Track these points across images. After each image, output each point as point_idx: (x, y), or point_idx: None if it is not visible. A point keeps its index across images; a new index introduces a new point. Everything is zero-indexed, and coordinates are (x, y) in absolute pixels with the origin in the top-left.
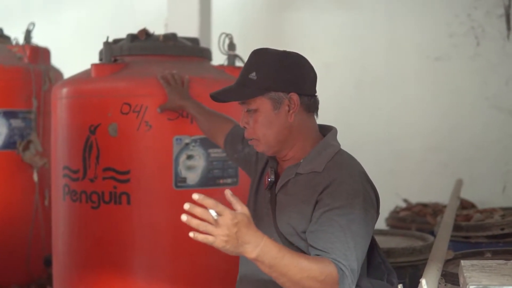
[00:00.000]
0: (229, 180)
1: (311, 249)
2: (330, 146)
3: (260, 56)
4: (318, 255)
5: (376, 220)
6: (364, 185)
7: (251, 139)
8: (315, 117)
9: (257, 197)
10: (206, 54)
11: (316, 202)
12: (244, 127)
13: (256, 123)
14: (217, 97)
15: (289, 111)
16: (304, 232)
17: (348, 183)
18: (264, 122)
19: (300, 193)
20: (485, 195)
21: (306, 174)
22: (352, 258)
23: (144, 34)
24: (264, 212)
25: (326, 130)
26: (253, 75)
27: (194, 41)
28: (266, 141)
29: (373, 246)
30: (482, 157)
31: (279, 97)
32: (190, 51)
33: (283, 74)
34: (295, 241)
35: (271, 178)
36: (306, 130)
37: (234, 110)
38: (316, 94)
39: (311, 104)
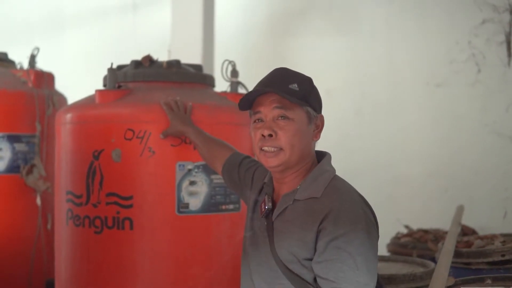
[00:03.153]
0: (231, 206)
1: (319, 280)
2: (326, 172)
3: (295, 72)
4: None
5: (377, 242)
6: (364, 209)
7: (269, 150)
8: None
9: (253, 224)
10: (209, 81)
11: (318, 231)
12: (270, 135)
13: (288, 132)
14: (263, 90)
15: (314, 130)
16: (306, 260)
17: (349, 209)
18: (297, 133)
19: (299, 219)
20: (485, 221)
21: (304, 200)
22: (364, 282)
23: (148, 60)
24: (261, 240)
25: (321, 156)
26: (294, 86)
27: (197, 67)
28: (291, 152)
29: None
30: (482, 183)
31: (313, 114)
32: (193, 77)
33: (317, 95)
34: (294, 268)
35: (268, 206)
36: (312, 154)
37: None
38: None
39: None
